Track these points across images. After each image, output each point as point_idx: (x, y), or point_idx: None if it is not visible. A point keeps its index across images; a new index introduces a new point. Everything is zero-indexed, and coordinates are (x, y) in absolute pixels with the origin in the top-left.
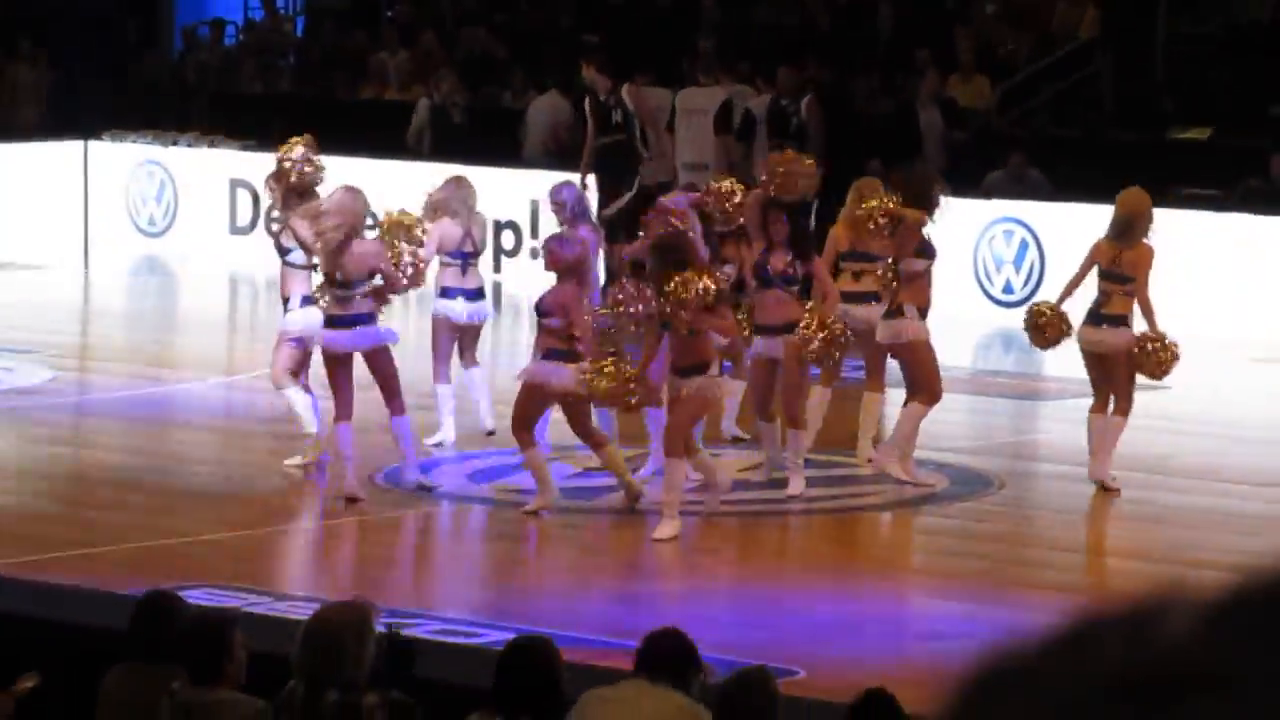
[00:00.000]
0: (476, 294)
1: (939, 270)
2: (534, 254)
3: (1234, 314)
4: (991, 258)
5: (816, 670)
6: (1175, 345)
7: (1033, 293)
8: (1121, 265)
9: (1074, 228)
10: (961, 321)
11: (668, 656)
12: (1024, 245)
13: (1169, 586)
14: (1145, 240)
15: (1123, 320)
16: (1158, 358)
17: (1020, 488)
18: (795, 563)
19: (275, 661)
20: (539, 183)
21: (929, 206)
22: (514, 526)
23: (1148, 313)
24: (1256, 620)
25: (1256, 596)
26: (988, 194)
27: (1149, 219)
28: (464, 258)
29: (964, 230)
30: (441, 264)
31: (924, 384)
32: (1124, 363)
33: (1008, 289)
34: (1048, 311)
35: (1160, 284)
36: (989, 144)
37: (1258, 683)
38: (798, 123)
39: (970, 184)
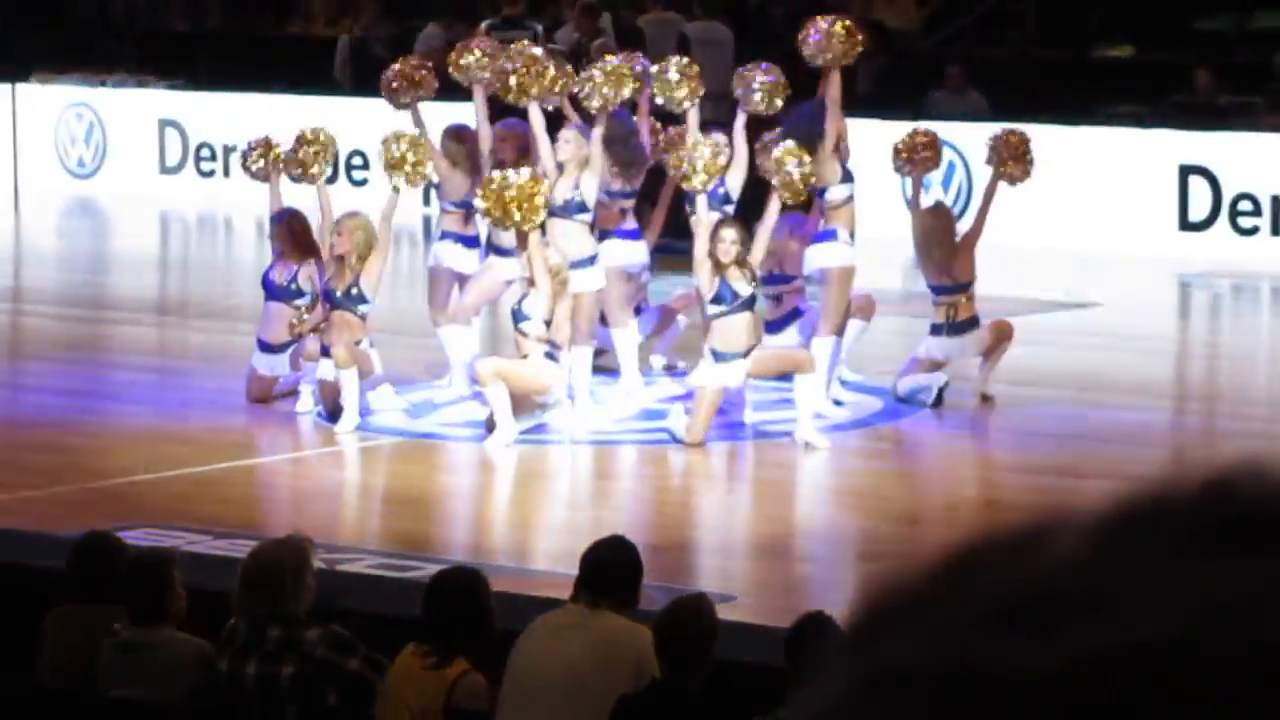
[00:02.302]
0: (475, 241)
1: (869, 192)
2: None
3: (1160, 231)
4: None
5: (754, 596)
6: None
7: (962, 212)
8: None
9: None
10: (891, 242)
11: (608, 570)
12: (951, 166)
13: (1055, 507)
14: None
15: None
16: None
17: (955, 408)
18: (730, 488)
19: (216, 599)
20: (460, 115)
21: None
22: (456, 460)
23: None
24: (1137, 538)
25: (1139, 514)
26: (924, 113)
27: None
28: (468, 207)
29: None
30: (444, 211)
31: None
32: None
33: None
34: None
35: (1086, 201)
36: (916, 66)
37: (1140, 600)
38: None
39: (899, 106)
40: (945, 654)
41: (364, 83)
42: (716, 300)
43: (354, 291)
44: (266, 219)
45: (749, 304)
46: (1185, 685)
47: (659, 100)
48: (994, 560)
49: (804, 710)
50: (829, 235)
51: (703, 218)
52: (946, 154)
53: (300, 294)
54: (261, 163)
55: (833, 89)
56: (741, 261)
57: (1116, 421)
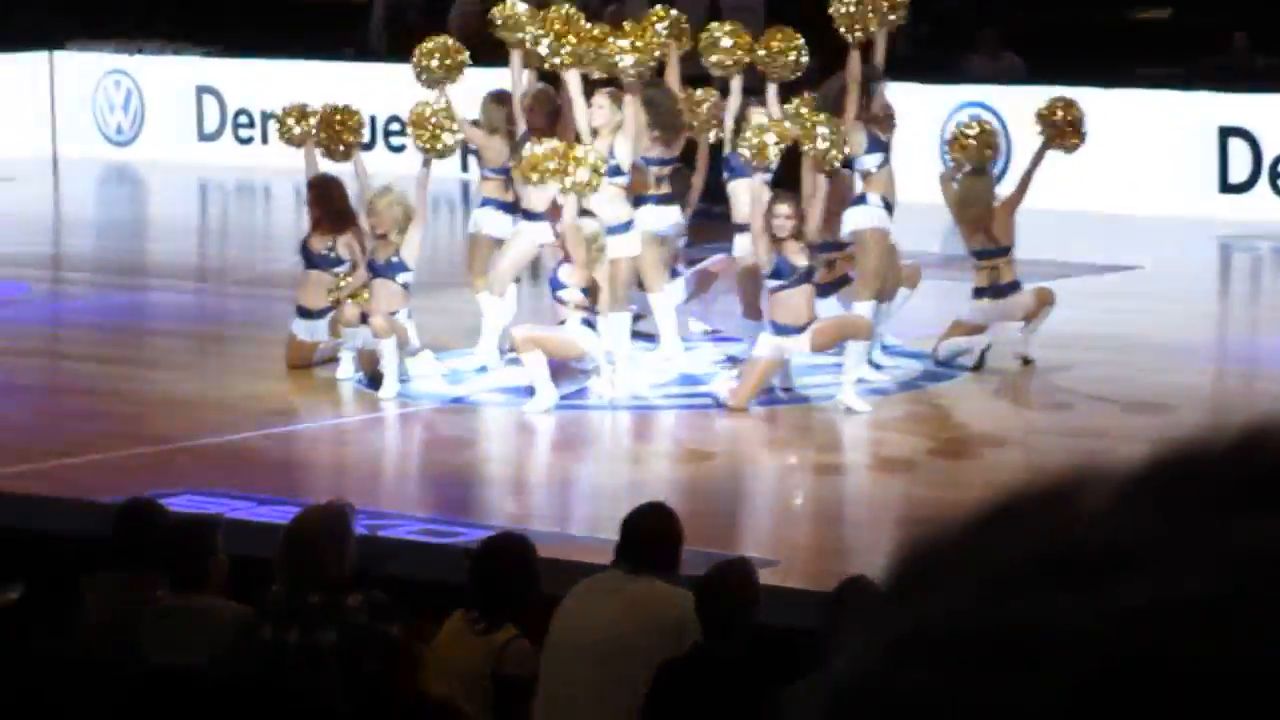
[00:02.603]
0: (514, 207)
1: (908, 156)
2: None
3: (1200, 193)
4: None
5: (795, 560)
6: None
7: (1001, 175)
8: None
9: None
10: (930, 206)
11: (648, 536)
12: None
13: (1086, 462)
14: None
15: None
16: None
17: (994, 371)
18: (769, 453)
19: (257, 565)
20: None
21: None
22: (496, 425)
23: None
24: (1172, 492)
25: (1172, 469)
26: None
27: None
28: (507, 173)
29: (932, 115)
30: (484, 178)
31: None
32: None
33: None
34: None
35: (1126, 165)
36: (952, 30)
37: (1178, 555)
38: None
39: (937, 70)
40: (981, 609)
41: (399, 47)
42: (775, 275)
43: (395, 260)
44: (304, 186)
45: (807, 276)
46: (1226, 640)
47: (705, 64)
48: (1029, 515)
49: (841, 668)
50: (860, 201)
51: (758, 194)
52: (984, 116)
53: (339, 262)
54: (297, 129)
55: (851, 65)
56: (798, 234)
57: (1157, 385)
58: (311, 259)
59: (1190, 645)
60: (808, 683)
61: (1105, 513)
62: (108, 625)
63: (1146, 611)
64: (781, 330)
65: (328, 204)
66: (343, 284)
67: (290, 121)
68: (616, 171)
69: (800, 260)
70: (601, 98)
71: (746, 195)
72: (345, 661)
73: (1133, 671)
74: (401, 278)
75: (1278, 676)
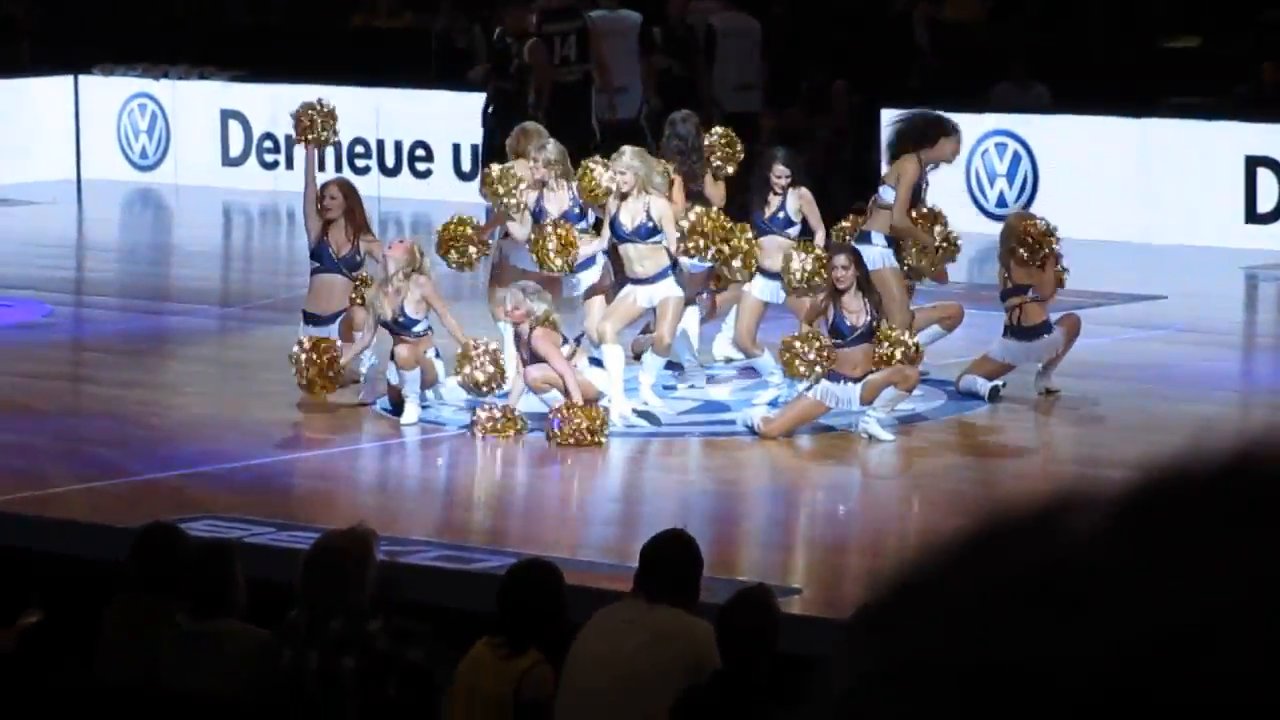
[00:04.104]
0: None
1: (934, 186)
2: None
3: (1227, 223)
4: (985, 171)
5: (817, 588)
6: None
7: (1027, 205)
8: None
9: (1067, 140)
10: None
11: (667, 565)
12: (1016, 158)
13: (1071, 486)
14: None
15: None
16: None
17: (1017, 401)
18: (790, 481)
19: (278, 590)
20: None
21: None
22: (510, 452)
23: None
24: (1158, 516)
25: (1158, 492)
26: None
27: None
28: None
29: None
30: None
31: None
32: None
33: (1001, 202)
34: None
35: (1152, 194)
36: (980, 59)
37: (1163, 583)
38: (518, 63)
39: (962, 98)
40: (969, 641)
41: (448, 75)
42: (834, 333)
43: (402, 319)
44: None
45: (866, 335)
46: (1213, 669)
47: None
48: (1013, 540)
49: (827, 693)
50: (864, 238)
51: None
52: (1011, 145)
53: (357, 265)
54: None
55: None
56: (864, 286)
57: (1182, 415)
58: (328, 261)
59: (1176, 676)
60: (798, 714)
61: (1091, 538)
62: (127, 649)
63: (1134, 643)
64: (835, 378)
65: (352, 210)
66: (363, 292)
67: (315, 119)
68: (653, 231)
69: (859, 318)
70: (625, 161)
71: (770, 247)
72: (365, 687)
73: (1114, 708)
74: (416, 330)
75: (1267, 707)
